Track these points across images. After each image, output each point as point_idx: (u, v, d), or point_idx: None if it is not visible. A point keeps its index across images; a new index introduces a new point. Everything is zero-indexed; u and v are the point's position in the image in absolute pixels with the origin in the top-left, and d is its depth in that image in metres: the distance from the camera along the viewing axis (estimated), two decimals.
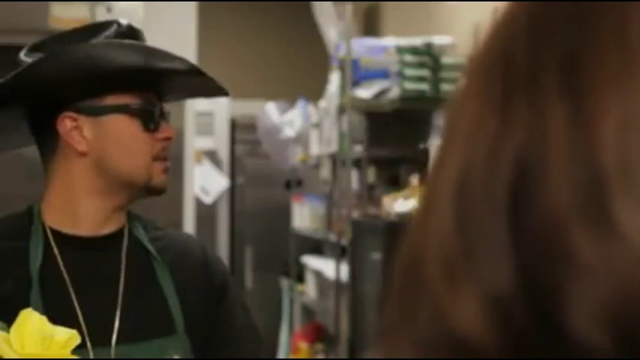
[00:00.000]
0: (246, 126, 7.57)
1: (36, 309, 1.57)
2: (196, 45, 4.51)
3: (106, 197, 1.77)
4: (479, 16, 4.25)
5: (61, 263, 1.74)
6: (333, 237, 5.42)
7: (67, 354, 1.53)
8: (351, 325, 4.90)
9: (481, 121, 0.45)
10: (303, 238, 6.53)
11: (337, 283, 5.15)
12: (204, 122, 7.31)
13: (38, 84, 1.72)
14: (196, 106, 4.73)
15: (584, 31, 0.44)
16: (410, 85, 4.60)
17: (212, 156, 7.59)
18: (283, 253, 6.97)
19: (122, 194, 1.78)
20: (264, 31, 8.33)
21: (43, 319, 1.53)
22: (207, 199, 7.40)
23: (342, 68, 4.97)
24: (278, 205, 7.37)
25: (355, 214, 4.98)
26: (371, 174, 5.06)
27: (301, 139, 6.30)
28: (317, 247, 6.51)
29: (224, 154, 7.77)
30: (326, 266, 5.73)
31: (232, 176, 7.75)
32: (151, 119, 1.77)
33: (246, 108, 7.51)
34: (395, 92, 4.65)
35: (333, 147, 5.32)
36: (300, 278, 6.58)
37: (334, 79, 5.30)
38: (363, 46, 4.95)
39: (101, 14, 3.81)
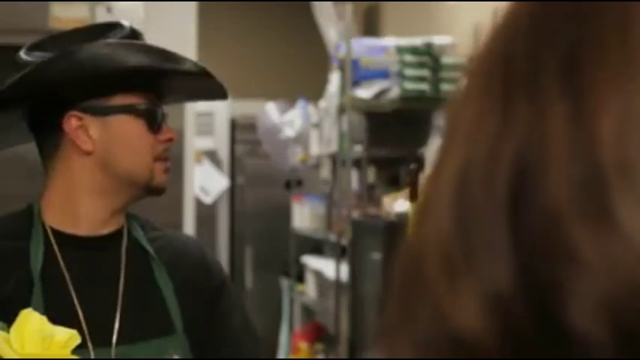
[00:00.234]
0: (246, 126, 7.57)
1: (37, 309, 1.57)
2: (196, 45, 4.51)
3: (107, 197, 1.77)
4: (479, 16, 4.25)
5: (61, 263, 1.75)
6: (333, 237, 5.42)
7: (67, 354, 1.53)
8: (351, 325, 4.90)
9: (481, 121, 0.45)
10: (303, 238, 6.53)
11: (337, 283, 5.15)
12: (204, 122, 7.31)
13: (48, 83, 1.72)
14: (196, 106, 4.73)
15: (584, 31, 0.44)
16: (410, 85, 4.60)
17: (212, 156, 7.59)
18: (283, 253, 6.97)
19: (123, 194, 1.78)
20: (264, 31, 8.33)
21: (43, 319, 1.53)
22: (207, 199, 7.40)
23: (342, 68, 4.97)
24: (278, 205, 7.37)
25: (355, 214, 4.98)
26: (371, 174, 5.06)
27: (301, 139, 6.30)
28: (317, 247, 6.51)
29: (224, 154, 7.77)
30: (326, 266, 5.73)
31: (232, 176, 7.75)
32: (154, 120, 1.78)
33: (246, 108, 7.51)
34: (395, 92, 4.65)
35: (333, 147, 5.32)
36: (300, 278, 6.58)
37: (334, 79, 5.30)
38: (363, 46, 4.95)
39: (101, 14, 3.82)
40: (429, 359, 0.45)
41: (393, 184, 4.94)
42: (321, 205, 6.05)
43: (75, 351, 1.55)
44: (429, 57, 4.63)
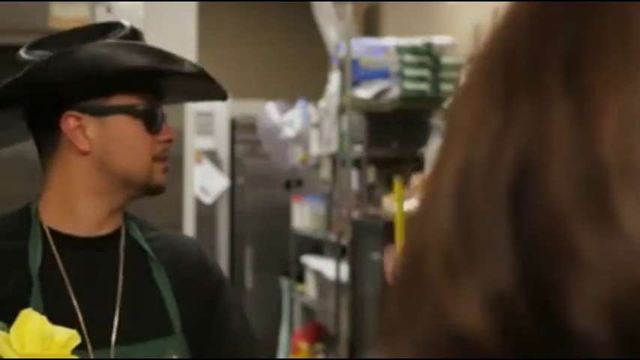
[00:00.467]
0: (246, 126, 7.56)
1: (36, 309, 1.57)
2: (196, 45, 4.51)
3: (104, 197, 1.77)
4: (479, 16, 4.25)
5: (60, 263, 1.74)
6: (333, 237, 5.42)
7: (67, 354, 1.53)
8: (351, 325, 4.90)
9: (482, 120, 0.45)
10: (303, 238, 6.53)
11: (337, 283, 5.15)
12: (204, 122, 7.31)
13: (46, 82, 1.72)
14: (196, 106, 4.73)
15: (585, 31, 0.44)
16: (410, 85, 4.60)
17: (212, 156, 7.59)
18: (283, 253, 6.97)
19: (121, 194, 1.78)
20: (264, 31, 8.33)
21: (43, 319, 1.53)
22: (207, 199, 7.40)
23: (342, 68, 4.97)
24: (278, 205, 7.37)
25: (355, 214, 4.98)
26: (371, 174, 5.06)
27: (301, 139, 6.30)
28: (317, 247, 6.51)
29: (224, 154, 7.77)
30: (326, 266, 5.73)
31: (232, 176, 7.75)
32: (153, 121, 1.78)
33: (246, 108, 7.51)
34: (395, 92, 4.65)
35: (333, 147, 5.32)
36: (300, 278, 6.58)
37: (334, 79, 5.30)
38: (363, 46, 4.95)
39: (101, 14, 3.81)
40: (430, 359, 0.45)
41: (392, 182, 4.93)
42: (321, 205, 6.05)
43: (73, 352, 1.55)
44: (429, 57, 4.63)
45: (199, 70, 1.80)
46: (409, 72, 4.60)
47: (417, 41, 4.71)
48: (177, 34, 4.26)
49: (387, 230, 4.33)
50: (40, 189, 1.80)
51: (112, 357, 1.71)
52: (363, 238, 4.76)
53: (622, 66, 0.43)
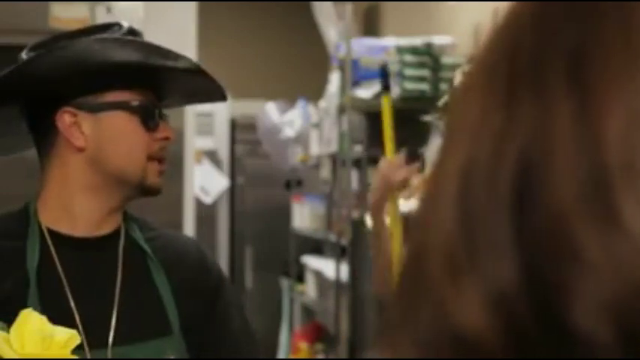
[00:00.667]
0: (246, 126, 7.56)
1: (33, 309, 1.57)
2: (196, 45, 4.51)
3: (100, 196, 1.77)
4: (479, 16, 4.25)
5: (58, 264, 1.74)
6: (333, 237, 5.41)
7: (67, 354, 1.53)
8: (351, 325, 4.90)
9: (484, 119, 0.45)
10: (303, 238, 6.53)
11: (337, 283, 5.15)
12: (204, 122, 7.30)
13: (38, 79, 1.72)
14: (196, 106, 4.72)
15: (588, 31, 0.44)
16: (410, 85, 4.60)
17: (212, 156, 7.59)
18: (283, 253, 6.97)
19: (117, 193, 1.77)
20: (264, 31, 8.33)
21: (43, 319, 1.53)
22: (207, 199, 7.40)
23: (342, 68, 4.97)
24: (278, 205, 7.36)
25: (355, 214, 4.98)
26: (371, 174, 5.06)
27: (301, 139, 6.30)
28: (317, 247, 6.51)
29: (224, 154, 7.76)
30: (326, 266, 5.73)
31: (232, 176, 7.75)
32: (150, 118, 1.77)
33: (246, 108, 7.51)
34: (395, 92, 4.65)
35: (333, 147, 5.32)
36: (300, 278, 6.58)
37: (334, 79, 5.29)
38: (363, 46, 4.95)
39: (101, 14, 3.81)
40: (431, 359, 0.45)
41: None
42: (321, 205, 6.04)
43: (71, 352, 1.54)
44: (429, 57, 4.62)
45: (195, 66, 1.79)
46: (409, 72, 4.60)
47: (417, 41, 4.71)
48: (177, 34, 4.26)
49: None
50: (38, 188, 1.80)
51: (110, 357, 1.70)
52: (363, 238, 4.76)
53: (625, 65, 0.43)
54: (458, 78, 2.63)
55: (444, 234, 0.45)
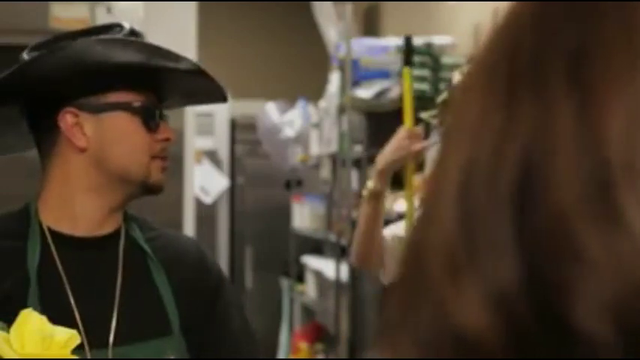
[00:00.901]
0: (246, 126, 7.56)
1: (33, 309, 1.57)
2: (196, 45, 4.51)
3: (102, 195, 1.77)
4: (479, 16, 4.25)
5: (58, 263, 1.74)
6: (333, 237, 5.41)
7: (67, 354, 1.53)
8: (351, 325, 4.90)
9: (485, 119, 0.45)
10: (303, 238, 6.53)
11: (337, 283, 5.15)
12: (204, 122, 7.30)
13: (41, 79, 1.72)
14: (196, 106, 4.72)
15: (589, 31, 0.44)
16: None
17: (212, 156, 7.59)
18: (283, 253, 6.97)
19: (119, 192, 1.77)
20: (264, 31, 8.33)
21: (43, 319, 1.53)
22: (207, 199, 7.40)
23: (342, 68, 4.97)
24: (278, 205, 7.36)
25: (355, 214, 4.98)
26: (371, 174, 5.05)
27: (301, 139, 6.30)
28: (317, 247, 6.51)
29: (224, 154, 7.76)
30: (326, 266, 5.73)
31: (232, 176, 7.75)
32: (151, 118, 1.78)
33: (246, 108, 7.51)
34: (395, 92, 4.65)
35: (333, 147, 5.32)
36: (300, 278, 6.58)
37: (334, 79, 5.29)
38: (363, 46, 4.95)
39: (101, 14, 3.81)
40: (431, 359, 0.45)
41: (393, 184, 4.93)
42: (321, 205, 6.04)
43: (71, 352, 1.54)
44: (429, 57, 4.62)
45: (197, 67, 1.80)
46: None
47: (417, 41, 4.70)
48: (177, 34, 4.26)
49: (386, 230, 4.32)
50: (39, 188, 1.80)
51: (110, 357, 1.70)
52: None
53: (626, 65, 0.43)
54: (457, 78, 2.63)
55: (444, 234, 0.45)
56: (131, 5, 3.90)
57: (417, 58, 4.64)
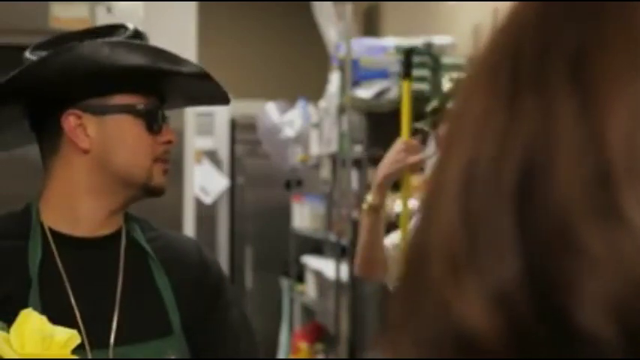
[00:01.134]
0: (246, 126, 7.56)
1: (34, 309, 1.57)
2: (196, 45, 4.51)
3: (104, 197, 1.77)
4: (479, 16, 4.25)
5: (59, 264, 1.74)
6: (333, 237, 5.41)
7: (67, 354, 1.53)
8: (351, 325, 4.90)
9: (487, 119, 0.45)
10: (303, 238, 6.52)
11: (337, 283, 5.15)
12: (204, 122, 7.30)
13: (47, 80, 1.72)
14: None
15: (591, 30, 0.44)
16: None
17: (212, 156, 7.59)
18: (283, 253, 6.97)
19: (121, 194, 1.78)
20: (264, 31, 8.33)
21: (43, 319, 1.53)
22: (207, 199, 7.40)
23: (342, 68, 4.97)
24: (278, 205, 7.36)
25: (355, 214, 4.98)
26: (371, 174, 5.06)
27: (301, 139, 6.30)
28: (317, 247, 6.50)
29: (224, 154, 7.76)
30: (326, 266, 5.73)
31: (232, 176, 7.75)
32: (154, 121, 1.78)
33: (246, 108, 7.51)
34: (395, 92, 4.65)
35: (333, 147, 5.32)
36: (300, 278, 6.58)
37: (334, 79, 5.29)
38: (363, 46, 4.95)
39: (101, 14, 3.81)
40: (432, 359, 0.44)
41: (393, 184, 4.93)
42: (321, 205, 6.04)
43: (72, 352, 1.54)
44: (429, 57, 4.62)
45: (201, 71, 1.80)
46: None
47: (417, 41, 4.71)
48: (177, 34, 4.26)
49: (386, 230, 4.32)
50: (41, 188, 1.80)
51: (111, 357, 1.70)
52: None
53: (627, 65, 0.43)
54: (456, 79, 2.64)
55: (446, 233, 0.45)
56: (131, 5, 3.90)
57: (417, 58, 4.64)
